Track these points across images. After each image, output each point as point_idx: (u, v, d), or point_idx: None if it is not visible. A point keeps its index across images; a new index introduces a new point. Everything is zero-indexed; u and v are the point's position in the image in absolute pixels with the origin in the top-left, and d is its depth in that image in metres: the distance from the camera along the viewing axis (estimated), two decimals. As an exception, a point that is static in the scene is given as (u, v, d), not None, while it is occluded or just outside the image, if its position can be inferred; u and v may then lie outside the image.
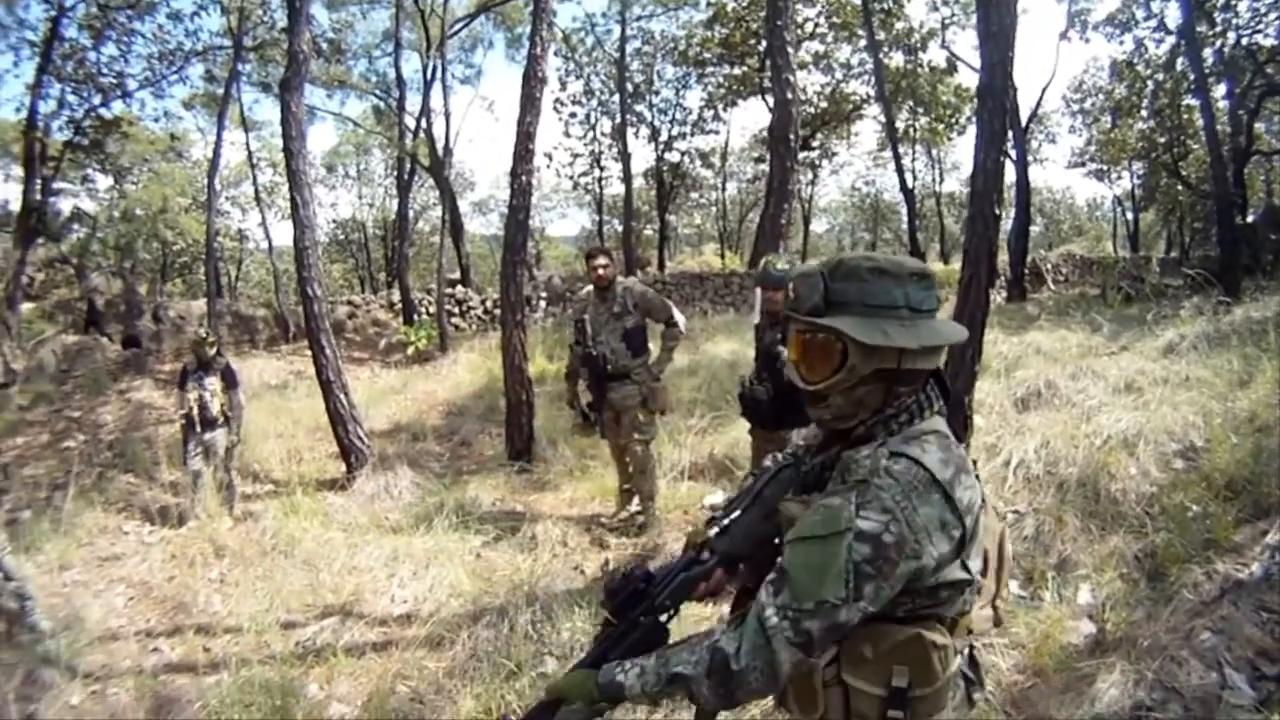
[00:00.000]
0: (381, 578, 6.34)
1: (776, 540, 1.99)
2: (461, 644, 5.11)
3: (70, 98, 17.63)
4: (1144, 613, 4.27)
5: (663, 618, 1.97)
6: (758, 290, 5.74)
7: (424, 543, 6.71)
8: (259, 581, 6.66)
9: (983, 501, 1.78)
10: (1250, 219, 22.57)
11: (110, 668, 5.68)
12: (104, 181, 27.93)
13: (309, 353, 9.68)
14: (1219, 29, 20.47)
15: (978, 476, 1.79)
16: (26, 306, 17.16)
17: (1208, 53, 20.23)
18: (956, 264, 27.08)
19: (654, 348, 6.64)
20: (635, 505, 6.82)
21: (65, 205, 25.48)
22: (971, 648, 1.95)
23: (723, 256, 35.66)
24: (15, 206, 19.69)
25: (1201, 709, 3.45)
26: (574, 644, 4.91)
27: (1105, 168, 36.02)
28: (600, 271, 6.45)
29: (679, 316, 6.54)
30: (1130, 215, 39.97)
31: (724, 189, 39.58)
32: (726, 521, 2.06)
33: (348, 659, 5.24)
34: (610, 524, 6.82)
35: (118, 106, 18.91)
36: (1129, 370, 7.62)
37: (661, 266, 29.23)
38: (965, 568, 1.72)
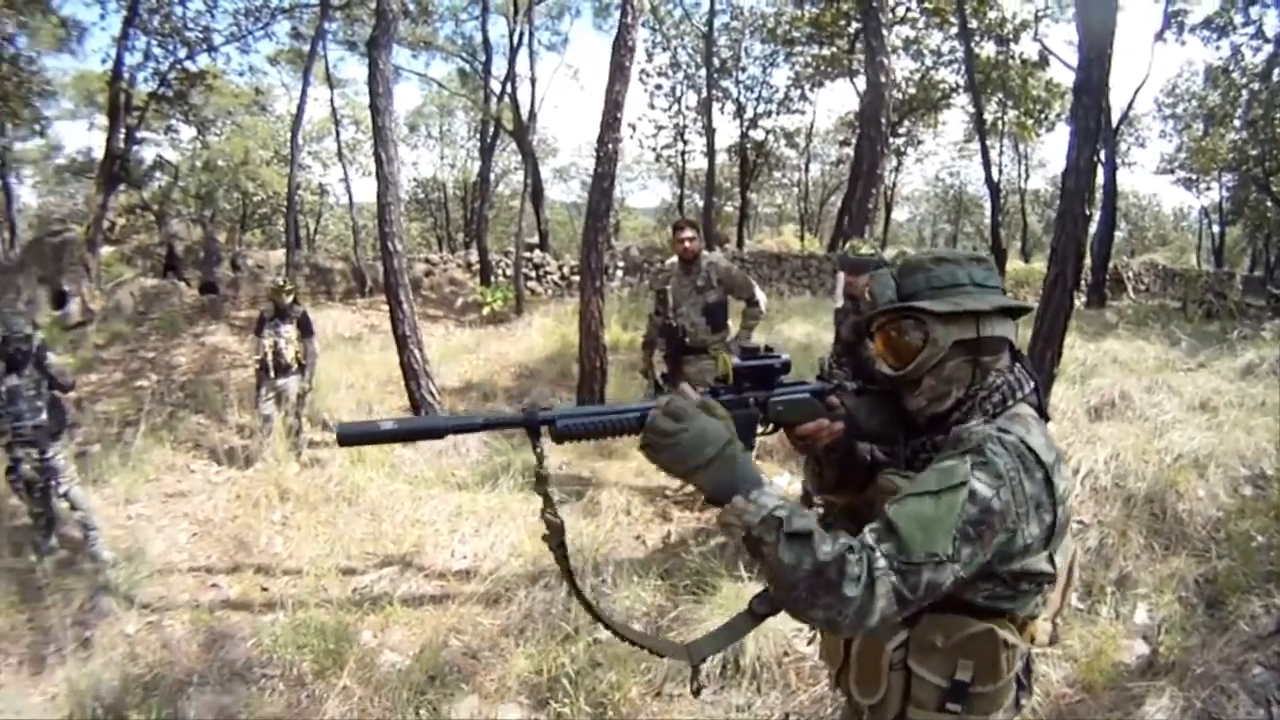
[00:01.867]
0: (443, 532, 6.41)
1: (881, 453, 2.01)
2: (518, 603, 5.16)
3: (156, 50, 17.96)
4: (1199, 639, 4.18)
5: (760, 429, 1.91)
6: (840, 274, 5.68)
7: (488, 501, 6.75)
8: (321, 527, 6.77)
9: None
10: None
11: (168, 600, 5.83)
12: (187, 132, 28.53)
13: (384, 307, 9.73)
14: (1320, 40, 19.80)
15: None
16: (106, 250, 17.52)
17: (1306, 64, 19.59)
18: (1037, 263, 26.57)
19: (733, 325, 6.56)
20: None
21: (148, 154, 26.18)
22: (1029, 655, 1.94)
23: (802, 238, 35.19)
24: (99, 154, 19.99)
25: (1245, 745, 3.37)
26: (631, 613, 4.93)
27: (1194, 177, 35.12)
28: (687, 244, 6.39)
29: (761, 296, 6.46)
30: (1216, 228, 38.94)
31: (807, 170, 39.04)
32: (864, 386, 2.03)
33: (403, 609, 5.31)
34: (675, 497, 6.75)
35: (203, 60, 19.27)
36: (1205, 389, 7.42)
37: (740, 244, 28.84)
38: (1051, 561, 1.72)
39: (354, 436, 1.64)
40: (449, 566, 5.89)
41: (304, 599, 5.40)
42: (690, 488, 6.64)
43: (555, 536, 1.74)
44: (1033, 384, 1.86)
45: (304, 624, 5.00)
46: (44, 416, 6.32)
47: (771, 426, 1.93)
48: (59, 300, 14.75)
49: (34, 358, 6.32)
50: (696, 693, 2.07)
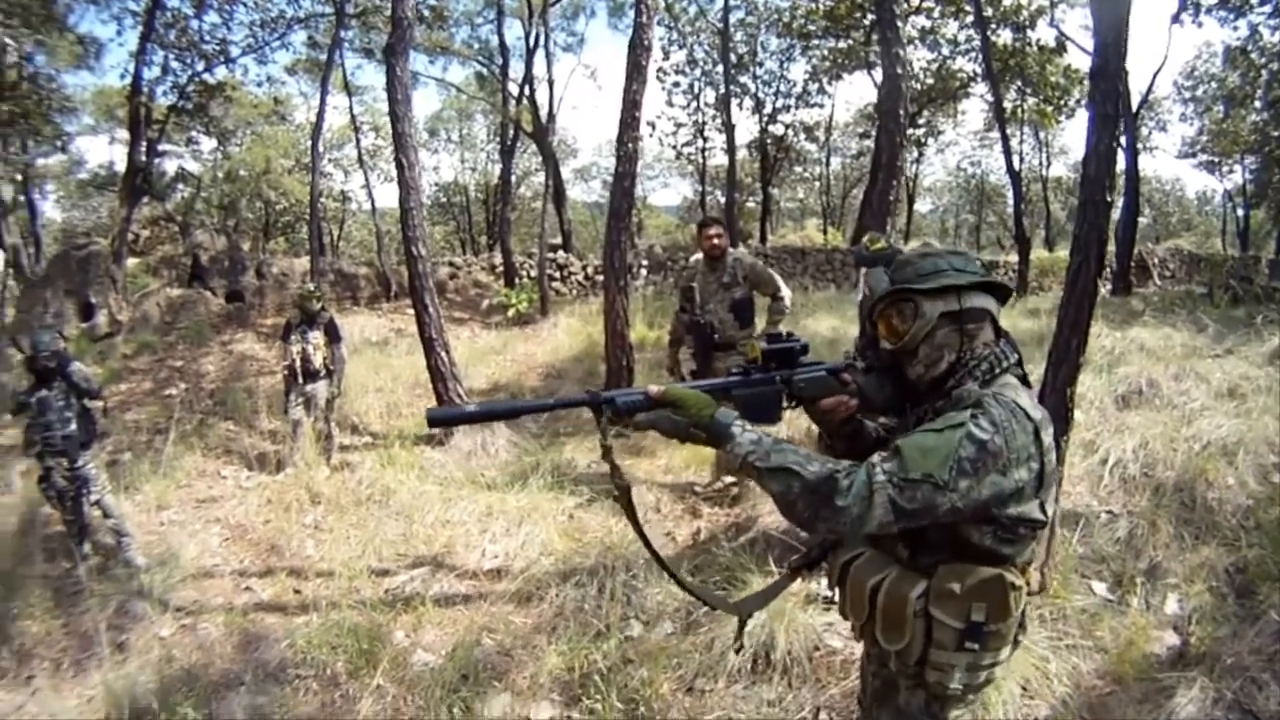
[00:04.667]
0: (474, 532, 6.43)
1: (884, 430, 2.37)
2: (549, 601, 5.19)
3: (174, 64, 17.80)
4: (1229, 630, 4.16)
5: (784, 403, 2.23)
6: (862, 269, 5.70)
7: (518, 501, 6.76)
8: (353, 529, 6.83)
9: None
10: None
11: (202, 603, 5.92)
12: (208, 144, 28.91)
13: (410, 311, 9.80)
14: (1338, 18, 19.49)
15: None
16: (131, 261, 17.60)
17: (1325, 43, 19.28)
18: (1061, 251, 26.24)
19: (759, 321, 6.58)
20: (730, 476, 6.75)
21: (170, 166, 26.35)
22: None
23: (825, 232, 35.16)
24: (121, 168, 20.11)
25: (1276, 735, 3.37)
26: (662, 609, 4.94)
27: (1217, 160, 34.88)
28: (714, 241, 6.40)
29: (786, 291, 6.46)
30: (1241, 212, 38.49)
31: (828, 164, 38.64)
32: (874, 365, 2.35)
33: (436, 609, 5.35)
34: (704, 493, 6.78)
35: (221, 72, 19.12)
36: (1232, 375, 7.32)
37: (763, 239, 28.74)
38: (1043, 509, 2.01)
39: (442, 419, 1.99)
40: (480, 566, 5.91)
41: (337, 600, 5.47)
42: (718, 484, 6.70)
43: (624, 496, 2.13)
44: (1016, 356, 2.16)
45: (337, 625, 5.06)
46: (73, 427, 6.44)
47: (795, 402, 2.25)
48: (86, 312, 14.85)
49: (59, 370, 6.44)
50: (738, 650, 2.53)
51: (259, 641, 5.25)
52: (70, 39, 20.43)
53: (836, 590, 2.38)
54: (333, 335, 8.73)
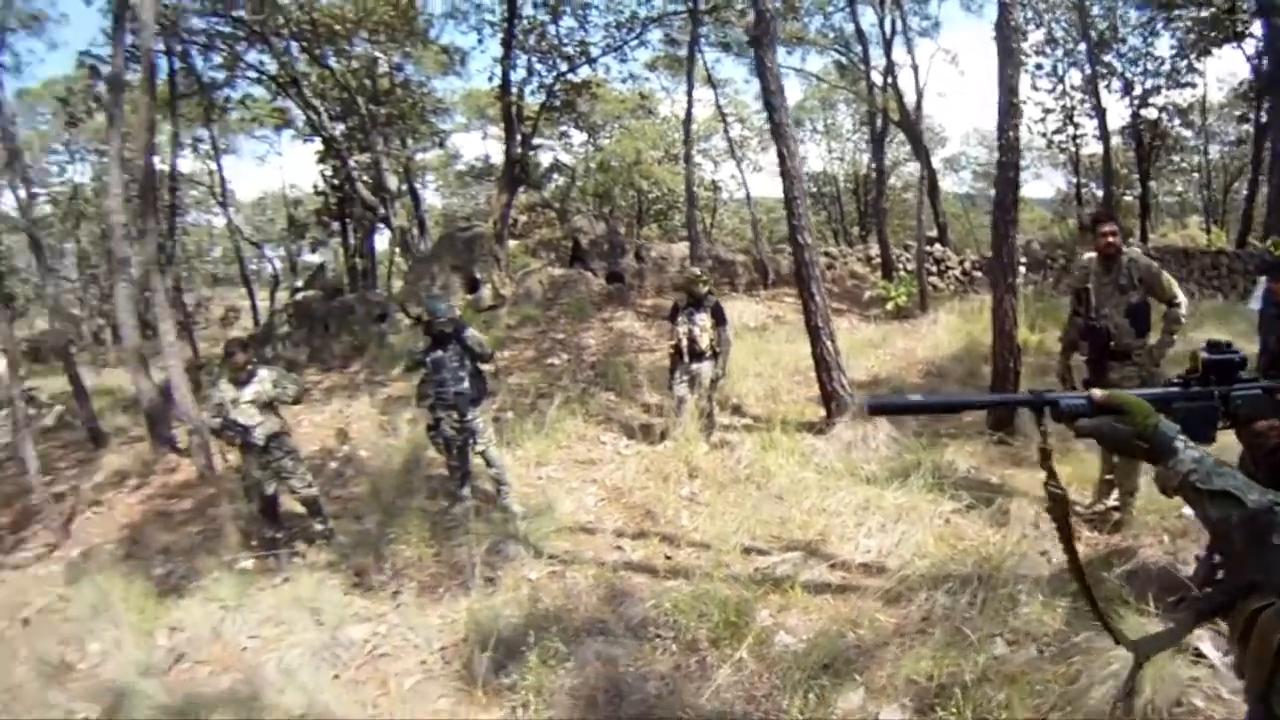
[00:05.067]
0: (849, 524, 6.43)
1: None
2: (918, 605, 5.09)
3: (538, 66, 19.05)
4: None
5: (1219, 423, 1.99)
6: (1261, 278, 5.16)
7: (896, 498, 6.66)
8: (729, 506, 7.07)
9: None
10: None
11: (573, 555, 6.41)
12: (579, 137, 31.33)
13: (787, 298, 9.87)
14: None
15: None
16: (512, 243, 19.07)
17: None
18: None
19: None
20: (1113, 499, 6.30)
21: (545, 158, 28.52)
22: None
23: (1208, 231, 30.93)
24: (495, 160, 22.22)
25: None
26: (1030, 631, 4.69)
27: None
28: (1110, 239, 5.94)
29: (1183, 298, 5.89)
30: None
31: (1206, 152, 34.04)
32: None
33: (804, 594, 5.40)
34: (1084, 514, 6.37)
35: (584, 71, 20.16)
36: None
37: (1144, 238, 25.77)
38: None
39: (883, 407, 2.02)
40: (852, 559, 5.90)
41: (709, 571, 5.67)
42: (1099, 506, 6.31)
43: (1059, 508, 1.92)
44: None
45: (706, 594, 5.26)
46: (466, 385, 7.31)
47: (1229, 421, 2.00)
48: (471, 286, 16.46)
49: (454, 334, 7.30)
50: (1129, 694, 2.47)
51: (624, 598, 5.62)
52: (434, 50, 23.26)
53: (1237, 643, 2.03)
54: (719, 318, 8.96)
